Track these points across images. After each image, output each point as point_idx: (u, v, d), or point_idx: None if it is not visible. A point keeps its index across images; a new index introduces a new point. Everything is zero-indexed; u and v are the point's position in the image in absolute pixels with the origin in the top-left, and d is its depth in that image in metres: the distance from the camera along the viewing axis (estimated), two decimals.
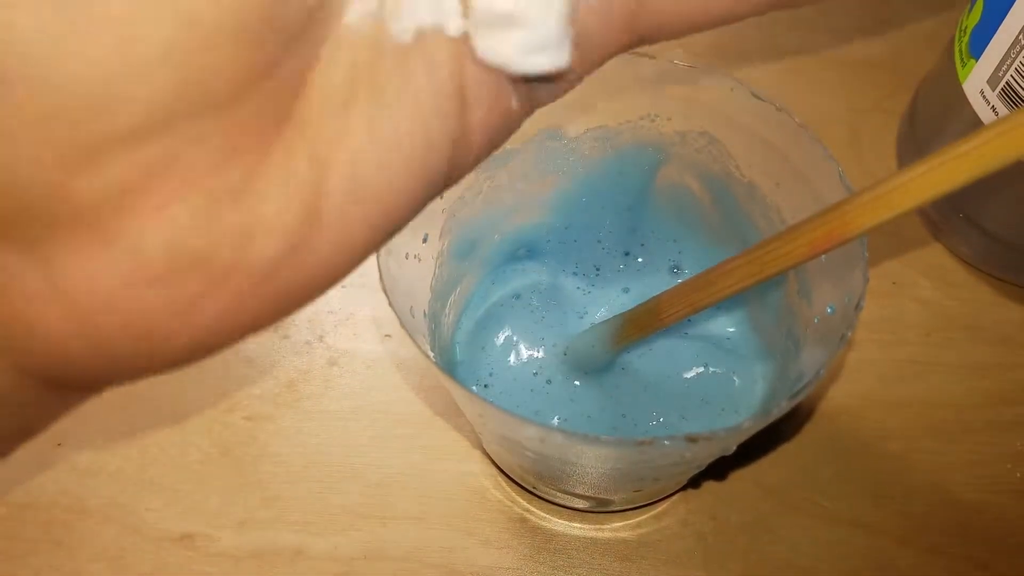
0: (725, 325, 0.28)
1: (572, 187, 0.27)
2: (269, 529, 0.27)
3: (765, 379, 0.26)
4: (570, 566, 0.27)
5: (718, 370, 0.27)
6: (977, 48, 0.28)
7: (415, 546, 0.27)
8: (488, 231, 0.27)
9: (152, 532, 0.28)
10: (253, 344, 0.31)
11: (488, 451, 0.28)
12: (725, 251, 0.22)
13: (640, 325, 0.24)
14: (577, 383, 0.26)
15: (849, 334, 0.19)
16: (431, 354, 0.22)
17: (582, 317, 0.28)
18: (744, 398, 0.26)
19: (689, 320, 0.28)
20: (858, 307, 0.20)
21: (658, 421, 0.26)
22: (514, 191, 0.26)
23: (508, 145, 0.25)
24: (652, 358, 0.27)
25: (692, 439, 0.18)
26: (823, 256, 0.21)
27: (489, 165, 0.25)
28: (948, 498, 0.28)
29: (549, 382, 0.27)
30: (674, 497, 0.28)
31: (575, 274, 0.29)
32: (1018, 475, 0.28)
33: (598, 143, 0.26)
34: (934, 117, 0.31)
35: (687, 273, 0.28)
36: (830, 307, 0.22)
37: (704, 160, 0.25)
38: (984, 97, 0.27)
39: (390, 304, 0.20)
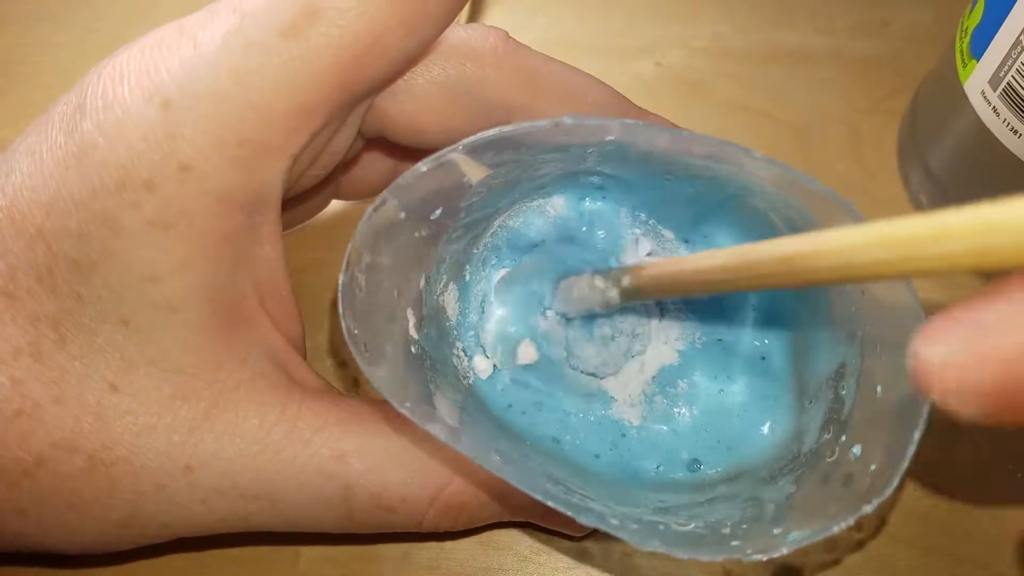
0: (760, 340, 0.26)
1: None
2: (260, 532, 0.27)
3: (777, 430, 0.25)
4: (570, 567, 0.27)
5: (731, 394, 0.26)
6: (978, 49, 0.28)
7: (413, 546, 0.27)
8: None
9: None
10: None
11: None
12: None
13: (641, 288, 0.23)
14: (583, 380, 0.26)
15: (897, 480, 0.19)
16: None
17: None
18: (746, 440, 0.25)
19: (726, 325, 0.26)
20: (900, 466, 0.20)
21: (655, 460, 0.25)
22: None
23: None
24: (663, 356, 0.26)
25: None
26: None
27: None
28: (948, 498, 0.28)
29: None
30: None
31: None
32: (1019, 475, 0.28)
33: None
34: (935, 118, 0.31)
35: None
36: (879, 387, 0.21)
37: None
38: (985, 98, 0.27)
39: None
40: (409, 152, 0.25)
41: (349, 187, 0.27)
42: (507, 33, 0.23)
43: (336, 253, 0.31)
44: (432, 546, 0.27)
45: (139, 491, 0.20)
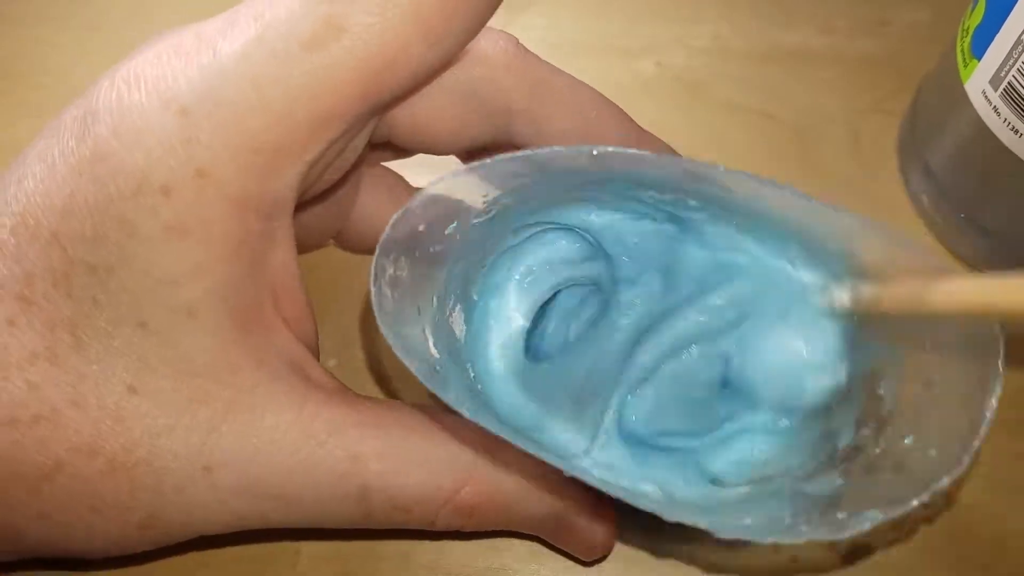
0: None
1: None
2: (268, 529, 0.27)
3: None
4: (570, 567, 0.27)
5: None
6: (979, 48, 0.28)
7: (413, 547, 0.27)
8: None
9: None
10: None
11: None
12: None
13: None
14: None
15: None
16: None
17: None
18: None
19: None
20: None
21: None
22: None
23: None
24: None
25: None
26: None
27: None
28: (948, 498, 0.28)
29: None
30: None
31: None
32: (1019, 475, 0.28)
33: None
34: (935, 118, 0.31)
35: None
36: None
37: None
38: (986, 97, 0.27)
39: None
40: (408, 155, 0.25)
41: (351, 224, 0.27)
42: (517, 39, 0.23)
43: (333, 253, 0.31)
44: (432, 546, 0.27)
45: (159, 492, 0.20)
